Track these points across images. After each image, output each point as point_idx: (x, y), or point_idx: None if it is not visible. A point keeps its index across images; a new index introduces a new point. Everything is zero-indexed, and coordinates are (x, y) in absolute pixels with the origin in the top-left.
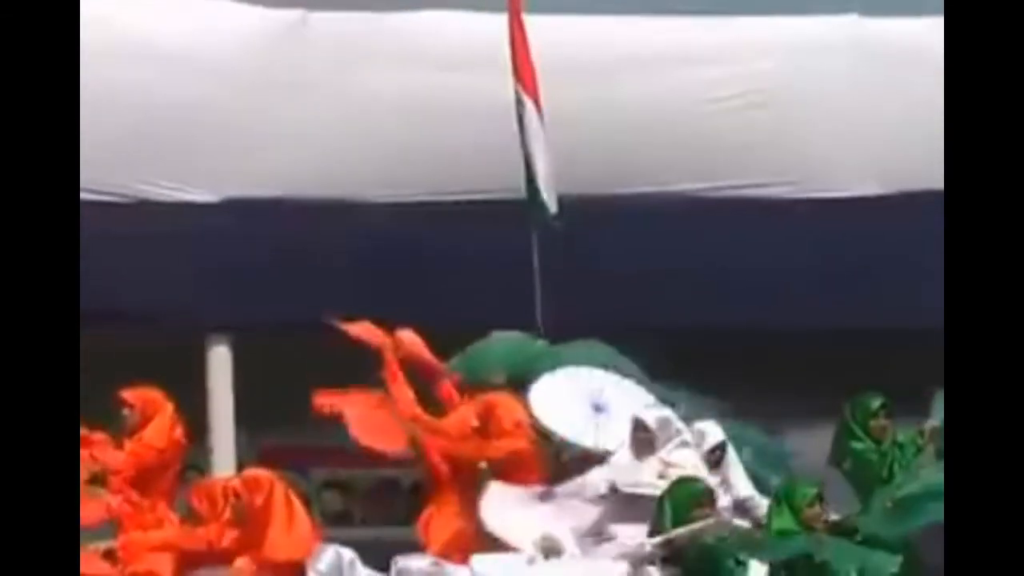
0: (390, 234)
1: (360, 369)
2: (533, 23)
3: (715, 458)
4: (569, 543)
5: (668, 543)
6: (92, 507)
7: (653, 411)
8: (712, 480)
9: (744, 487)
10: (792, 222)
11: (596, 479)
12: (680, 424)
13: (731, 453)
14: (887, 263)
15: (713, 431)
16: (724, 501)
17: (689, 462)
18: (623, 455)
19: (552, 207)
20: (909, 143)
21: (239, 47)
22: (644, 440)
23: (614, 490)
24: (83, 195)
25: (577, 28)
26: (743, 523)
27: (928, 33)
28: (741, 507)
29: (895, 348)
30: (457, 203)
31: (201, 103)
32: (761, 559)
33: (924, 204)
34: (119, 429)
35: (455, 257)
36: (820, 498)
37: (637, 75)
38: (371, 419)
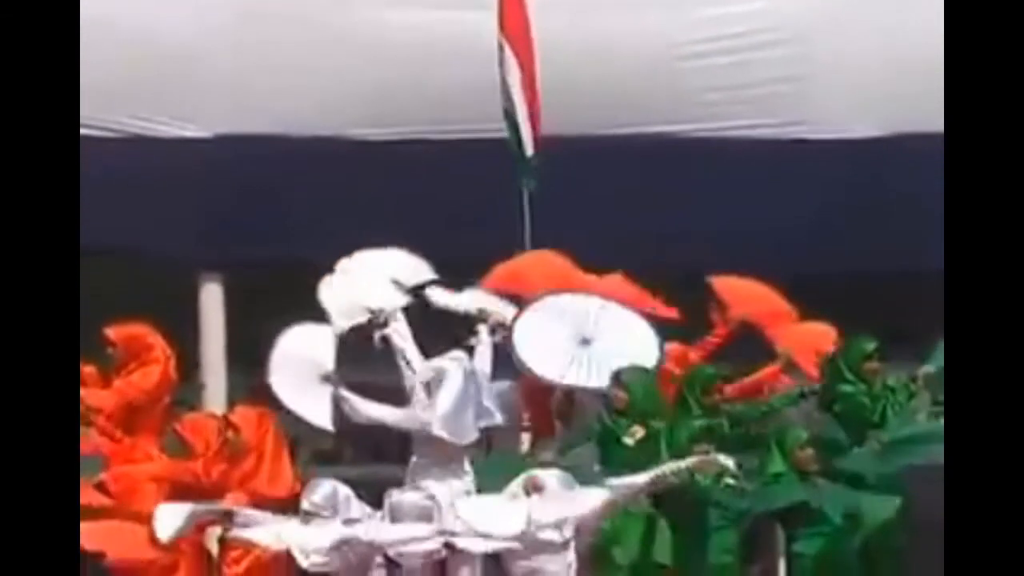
0: (381, 170)
1: None
2: None
3: None
4: (552, 483)
5: (656, 480)
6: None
7: None
8: None
9: None
10: (788, 163)
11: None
12: None
13: None
14: (884, 206)
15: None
16: None
17: None
18: None
19: (529, 150)
20: (909, 85)
21: None
22: None
23: None
24: (86, 131)
25: None
26: (729, 462)
27: None
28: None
29: (891, 291)
30: (447, 140)
31: (196, 40)
32: (756, 509)
33: (922, 147)
34: (109, 364)
35: (445, 191)
36: (811, 442)
37: (633, 14)
38: None
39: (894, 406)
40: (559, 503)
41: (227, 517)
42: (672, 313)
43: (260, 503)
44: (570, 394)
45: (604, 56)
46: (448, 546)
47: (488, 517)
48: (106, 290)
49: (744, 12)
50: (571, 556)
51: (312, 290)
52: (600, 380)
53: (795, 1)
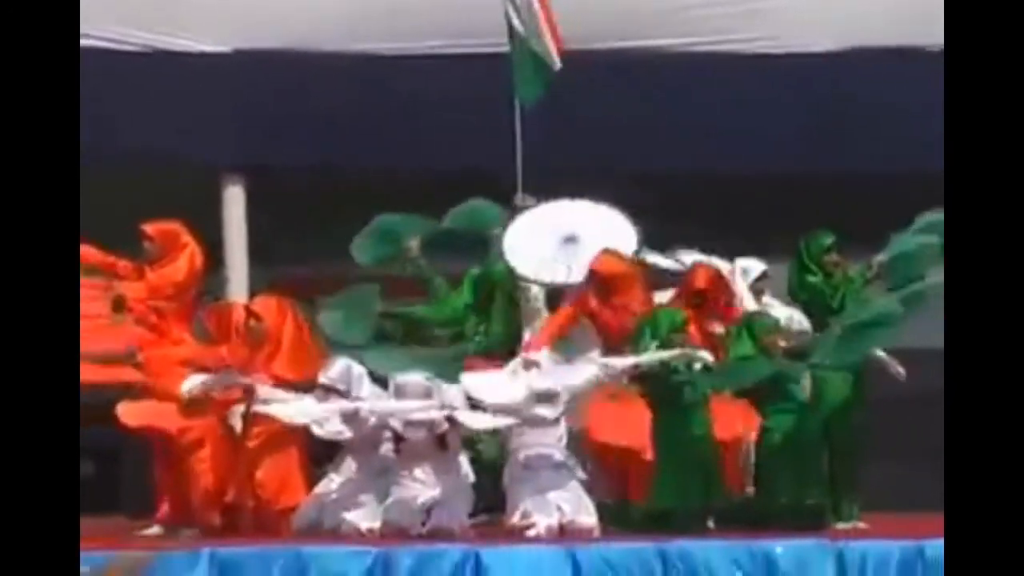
0: (388, 82)
1: (360, 206)
2: None
3: (759, 288)
4: (545, 361)
5: (636, 366)
6: (115, 335)
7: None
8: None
9: (782, 312)
10: (756, 75)
11: None
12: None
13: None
14: (844, 116)
15: (755, 265)
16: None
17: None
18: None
19: (556, 64)
20: (867, 4)
21: None
22: None
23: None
24: (110, 46)
25: None
26: (706, 355)
27: None
28: (784, 331)
29: (849, 193)
30: (450, 55)
31: None
32: (727, 387)
33: (878, 60)
34: (143, 258)
35: (448, 105)
36: (777, 326)
37: None
38: None
39: (852, 294)
40: (551, 378)
41: (248, 393)
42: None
43: (280, 385)
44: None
45: None
46: (449, 420)
47: (489, 390)
48: (139, 191)
49: None
50: (562, 430)
51: (324, 191)
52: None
53: None
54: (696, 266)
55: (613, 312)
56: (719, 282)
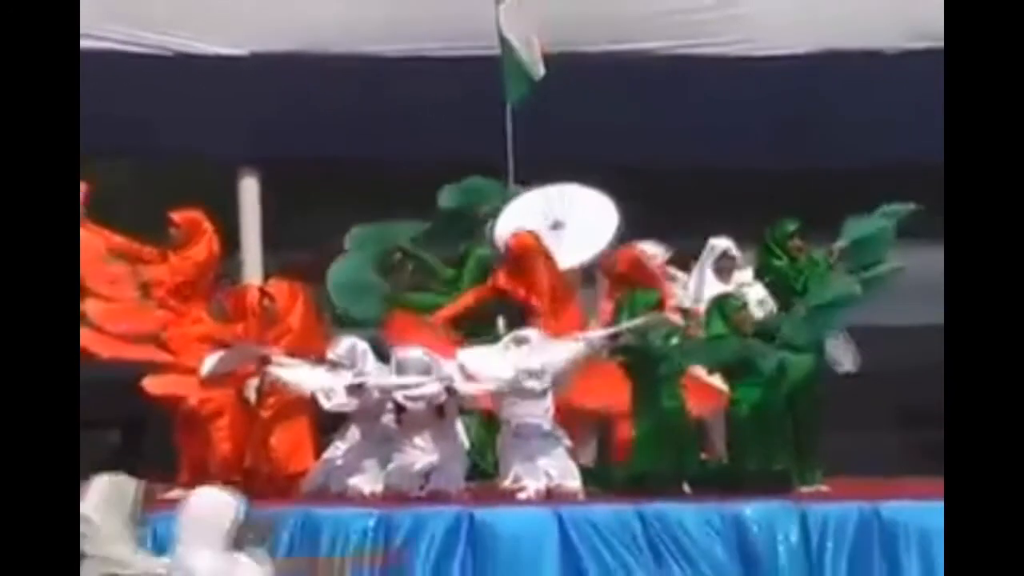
0: (390, 82)
1: (364, 197)
2: None
3: (727, 265)
4: (534, 337)
5: (616, 335)
6: (141, 316)
7: None
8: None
9: (755, 288)
10: (734, 77)
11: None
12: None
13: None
14: (813, 113)
15: (721, 242)
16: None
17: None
18: None
19: (537, 72)
20: (836, 3)
21: None
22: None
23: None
24: (138, 49)
25: None
26: (677, 319)
27: None
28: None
29: (816, 186)
30: (446, 57)
31: None
32: (700, 362)
33: (850, 60)
34: (167, 245)
35: (444, 103)
36: (746, 306)
37: None
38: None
39: (815, 276)
40: (539, 354)
41: (263, 361)
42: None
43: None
44: None
45: None
46: (448, 391)
47: (481, 363)
48: (163, 183)
49: None
50: (548, 402)
51: (332, 183)
52: (572, 260)
53: None
54: (619, 251)
55: (525, 288)
56: (640, 265)
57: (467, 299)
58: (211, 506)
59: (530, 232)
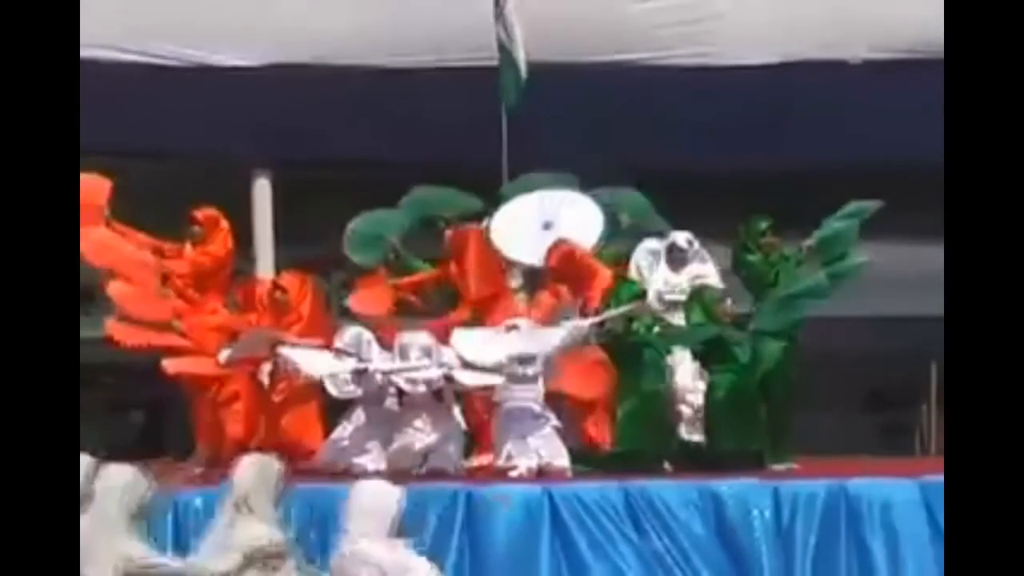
0: (392, 91)
1: (367, 196)
2: None
3: (681, 257)
4: (524, 325)
5: (601, 323)
6: (160, 303)
7: None
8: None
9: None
10: (704, 85)
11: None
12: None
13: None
14: (781, 119)
15: (679, 236)
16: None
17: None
18: None
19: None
20: (805, 18)
21: None
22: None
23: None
24: (161, 61)
25: None
26: (654, 305)
27: None
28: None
29: (786, 187)
30: (444, 68)
31: None
32: (681, 345)
33: (816, 70)
34: (186, 240)
35: (441, 110)
36: (724, 297)
37: None
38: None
39: (786, 270)
40: (529, 341)
41: (275, 345)
42: None
43: None
44: None
45: (565, 10)
46: (446, 378)
47: (475, 349)
48: (181, 183)
49: None
50: (539, 387)
51: (338, 184)
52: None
53: None
54: (552, 246)
55: (471, 279)
56: (573, 260)
57: (426, 275)
58: (377, 496)
59: (474, 229)
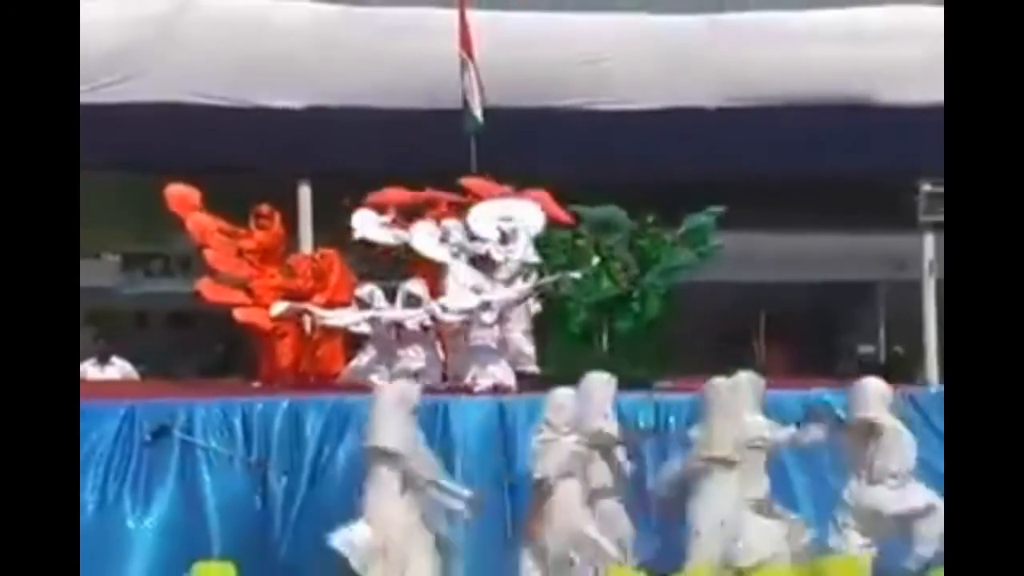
0: (395, 127)
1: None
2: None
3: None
4: (486, 284)
5: (537, 288)
6: (237, 266)
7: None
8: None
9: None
10: (605, 127)
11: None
12: None
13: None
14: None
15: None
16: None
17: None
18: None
19: (479, 119)
20: (682, 69)
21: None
22: None
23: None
24: (217, 102)
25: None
26: (576, 275)
27: None
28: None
29: (668, 197)
30: (430, 110)
31: (291, 41)
32: (590, 300)
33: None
34: (253, 227)
35: (425, 139)
36: (624, 268)
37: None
38: None
39: (665, 251)
40: (490, 294)
41: (310, 312)
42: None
43: (333, 303)
44: None
45: (529, 59)
46: (432, 319)
47: (455, 297)
48: (248, 190)
49: (595, 47)
50: (497, 332)
51: (359, 190)
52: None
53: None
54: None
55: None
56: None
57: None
58: (402, 391)
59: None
